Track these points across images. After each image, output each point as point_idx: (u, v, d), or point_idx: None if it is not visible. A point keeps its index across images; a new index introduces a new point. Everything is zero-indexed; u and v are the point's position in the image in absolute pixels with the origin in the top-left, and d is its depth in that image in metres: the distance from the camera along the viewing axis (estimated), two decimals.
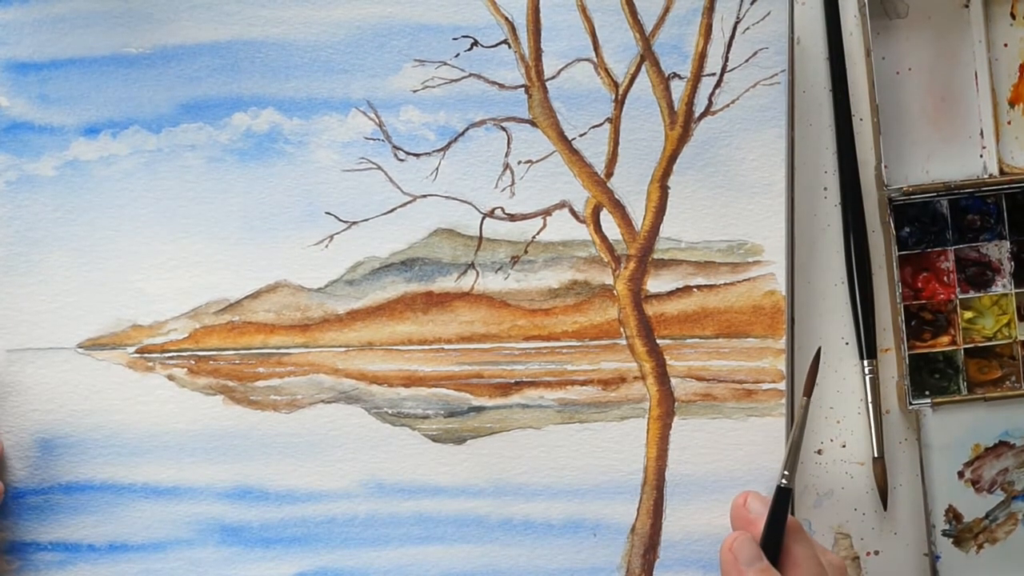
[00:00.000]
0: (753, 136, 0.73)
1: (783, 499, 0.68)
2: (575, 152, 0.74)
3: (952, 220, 0.77)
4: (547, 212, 0.74)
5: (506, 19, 0.73)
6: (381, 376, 0.74)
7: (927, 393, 0.77)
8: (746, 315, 0.73)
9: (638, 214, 0.74)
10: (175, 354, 0.74)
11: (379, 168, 0.74)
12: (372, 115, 0.73)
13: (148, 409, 0.73)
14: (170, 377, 0.73)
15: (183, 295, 0.74)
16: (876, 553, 0.78)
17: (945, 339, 0.77)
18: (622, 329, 0.73)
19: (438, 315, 0.74)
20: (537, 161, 0.74)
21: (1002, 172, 0.77)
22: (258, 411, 0.73)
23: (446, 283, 0.74)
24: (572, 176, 0.74)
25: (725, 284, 0.73)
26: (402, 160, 0.74)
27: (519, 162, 0.74)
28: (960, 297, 0.77)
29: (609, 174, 0.74)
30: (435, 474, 0.73)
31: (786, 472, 0.68)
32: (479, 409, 0.73)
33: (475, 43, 0.73)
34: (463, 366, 0.73)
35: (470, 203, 0.74)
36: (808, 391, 0.69)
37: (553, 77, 0.74)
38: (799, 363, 0.75)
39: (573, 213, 0.74)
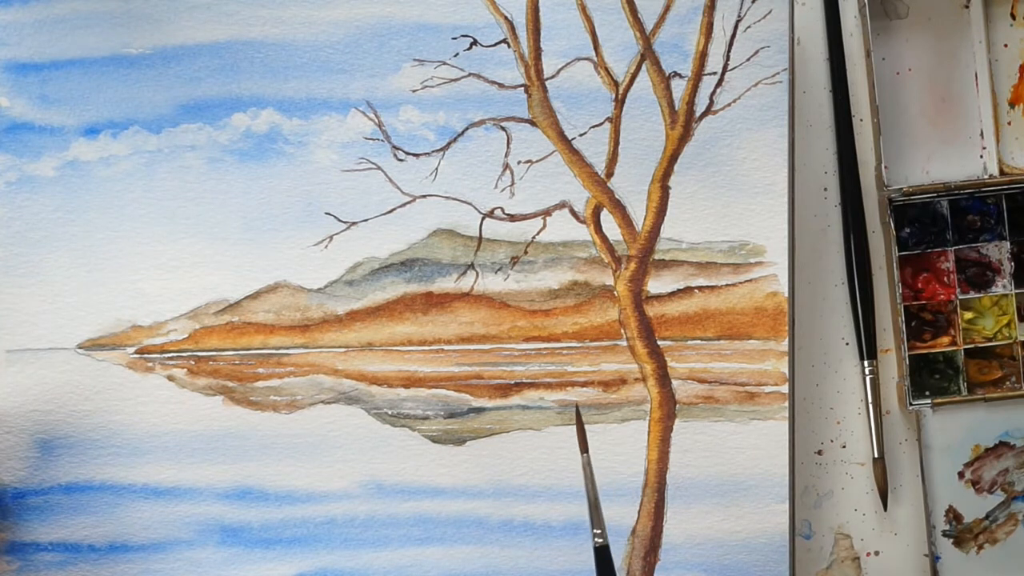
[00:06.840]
0: (755, 136, 0.73)
1: (604, 558, 0.65)
2: (575, 152, 0.73)
3: (952, 221, 0.77)
4: (547, 212, 0.74)
5: (505, 18, 0.73)
6: (381, 377, 0.73)
7: (927, 393, 0.77)
8: (748, 317, 0.73)
9: (639, 214, 0.73)
10: (175, 355, 0.73)
11: (378, 168, 0.73)
12: (371, 115, 0.73)
13: (148, 409, 0.73)
14: (170, 378, 0.73)
15: (183, 295, 0.73)
16: (876, 554, 0.78)
17: (945, 340, 0.77)
18: (623, 330, 0.73)
19: (438, 316, 0.74)
20: (537, 161, 0.74)
21: (1002, 172, 0.77)
22: (258, 412, 0.73)
23: (446, 284, 0.74)
24: (572, 176, 0.74)
25: (727, 285, 0.73)
26: (401, 160, 0.73)
27: (519, 162, 0.74)
28: (960, 298, 0.77)
29: (609, 174, 0.73)
30: (435, 475, 0.73)
31: (596, 531, 0.65)
32: (479, 410, 0.73)
33: (474, 42, 0.73)
34: (463, 367, 0.73)
35: (470, 203, 0.74)
36: (584, 446, 0.66)
37: (553, 76, 0.73)
38: (799, 364, 0.75)
39: (573, 213, 0.74)
